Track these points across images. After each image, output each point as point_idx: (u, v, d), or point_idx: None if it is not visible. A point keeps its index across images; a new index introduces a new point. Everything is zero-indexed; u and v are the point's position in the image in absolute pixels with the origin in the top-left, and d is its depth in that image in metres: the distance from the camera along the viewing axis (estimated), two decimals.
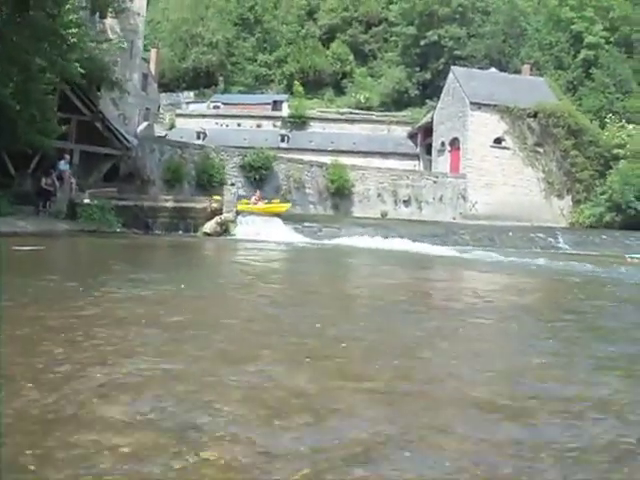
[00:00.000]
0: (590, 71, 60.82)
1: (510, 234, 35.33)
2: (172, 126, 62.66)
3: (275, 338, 6.10)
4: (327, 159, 46.52)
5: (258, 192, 34.94)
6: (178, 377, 4.41)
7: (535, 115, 48.02)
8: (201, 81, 72.42)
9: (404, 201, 45.49)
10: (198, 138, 56.31)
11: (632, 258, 27.09)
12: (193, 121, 62.25)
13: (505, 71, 59.33)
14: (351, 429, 3.59)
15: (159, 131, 57.37)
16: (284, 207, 33.65)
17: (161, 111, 65.85)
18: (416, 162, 58.08)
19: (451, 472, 3.07)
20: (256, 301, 9.09)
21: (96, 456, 3.02)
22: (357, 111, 66.05)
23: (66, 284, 9.21)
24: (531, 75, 57.28)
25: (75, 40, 24.11)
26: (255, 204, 32.43)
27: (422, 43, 68.19)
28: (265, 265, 17.06)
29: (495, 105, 47.59)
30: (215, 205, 29.61)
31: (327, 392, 4.33)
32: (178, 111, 66.10)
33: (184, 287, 9.85)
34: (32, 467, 2.85)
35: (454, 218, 45.42)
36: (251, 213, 30.98)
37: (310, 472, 2.97)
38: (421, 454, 3.29)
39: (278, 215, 31.61)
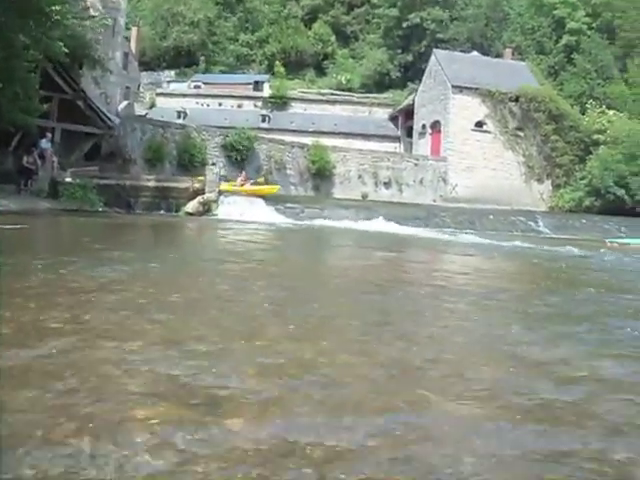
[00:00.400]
0: (572, 56, 61.27)
1: (491, 217, 35.75)
2: (152, 105, 62.41)
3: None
4: (308, 140, 46.67)
5: (244, 173, 34.98)
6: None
7: (516, 99, 48.35)
8: (182, 60, 71.92)
9: (385, 183, 45.69)
10: (179, 117, 56.17)
11: (612, 242, 27.64)
12: (174, 100, 62.00)
13: (487, 55, 59.51)
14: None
15: (139, 110, 57.11)
16: (273, 189, 33.76)
17: (141, 90, 65.45)
18: (397, 144, 58.21)
19: None
20: (230, 280, 9.23)
21: (125, 429, 3.20)
22: (338, 92, 65.97)
23: (33, 262, 9.09)
24: (513, 59, 57.54)
25: (59, 17, 23.97)
26: (242, 185, 32.52)
27: (404, 25, 67.99)
28: (247, 245, 17.21)
29: (477, 88, 47.85)
30: (197, 185, 29.76)
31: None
32: (158, 90, 65.69)
33: (154, 266, 10.02)
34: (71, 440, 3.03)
35: (434, 201, 45.73)
36: (235, 194, 31.09)
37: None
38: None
39: (263, 197, 31.73)
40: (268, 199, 31.59)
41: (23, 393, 3.55)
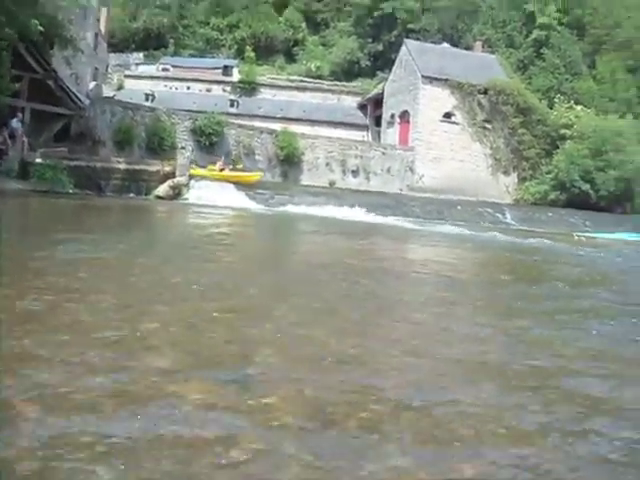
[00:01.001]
0: (541, 51, 61.70)
1: (459, 208, 36.38)
2: (120, 87, 62.05)
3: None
4: (276, 126, 46.95)
5: (223, 158, 35.18)
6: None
7: (485, 92, 48.92)
8: (151, 43, 71.55)
9: (352, 171, 46.05)
10: (146, 100, 56.00)
11: (579, 236, 28.48)
12: (142, 83, 61.75)
13: (457, 47, 59.94)
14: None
15: (107, 92, 56.75)
16: (255, 176, 34.07)
17: (109, 71, 65.05)
18: (365, 133, 58.64)
19: None
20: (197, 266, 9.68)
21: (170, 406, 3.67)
22: (308, 79, 66.11)
23: None
24: (483, 52, 57.98)
25: None
26: (221, 170, 32.74)
27: (376, 14, 68.26)
28: (217, 230, 17.54)
29: (446, 80, 48.31)
30: (168, 168, 29.98)
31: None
32: (127, 72, 65.26)
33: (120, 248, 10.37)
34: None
35: (401, 190, 46.20)
36: (206, 178, 31.33)
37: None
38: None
39: (239, 184, 31.94)
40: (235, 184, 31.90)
41: None
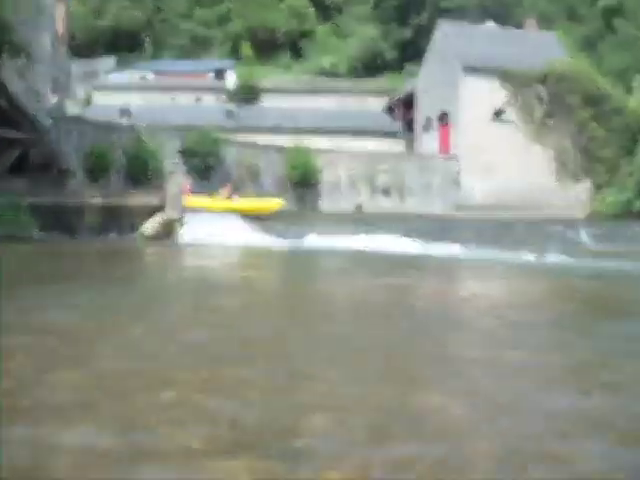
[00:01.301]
0: (612, 22, 61.36)
1: (520, 228, 36.10)
2: (88, 102, 62.51)
3: None
4: (285, 140, 47.11)
5: (228, 185, 35.24)
6: None
7: (544, 80, 48.78)
8: (123, 44, 71.82)
9: (383, 190, 46.20)
10: (122, 117, 56.36)
11: None
12: (115, 96, 61.98)
13: (505, 26, 59.79)
14: None
15: (72, 109, 57.16)
16: (275, 204, 34.23)
17: (73, 83, 65.44)
18: (396, 142, 58.63)
19: None
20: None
21: None
22: (321, 80, 66.32)
23: None
24: (537, 30, 57.92)
25: None
26: (228, 199, 32.92)
27: None
28: (224, 278, 17.58)
29: (494, 69, 48.23)
30: (155, 201, 30.12)
31: None
32: (95, 83, 65.66)
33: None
34: None
35: (446, 210, 46.14)
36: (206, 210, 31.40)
37: None
38: None
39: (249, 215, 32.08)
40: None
41: None
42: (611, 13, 61.78)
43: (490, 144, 47.84)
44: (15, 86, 33.39)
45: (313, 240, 30.36)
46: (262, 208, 32.81)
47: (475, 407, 5.61)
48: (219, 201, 32.59)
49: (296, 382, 6.13)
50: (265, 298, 13.79)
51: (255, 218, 31.95)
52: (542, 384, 6.60)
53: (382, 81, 66.06)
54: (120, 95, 61.66)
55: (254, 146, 43.95)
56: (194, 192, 33.70)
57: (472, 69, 48.16)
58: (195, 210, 31.06)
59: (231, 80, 64.04)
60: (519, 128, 48.89)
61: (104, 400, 5.40)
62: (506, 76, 48.46)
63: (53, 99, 48.39)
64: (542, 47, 51.74)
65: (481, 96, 48.09)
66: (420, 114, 54.08)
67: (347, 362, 7.03)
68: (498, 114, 48.60)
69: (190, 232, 29.79)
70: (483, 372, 6.90)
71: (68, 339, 7.92)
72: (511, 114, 48.84)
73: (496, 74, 48.38)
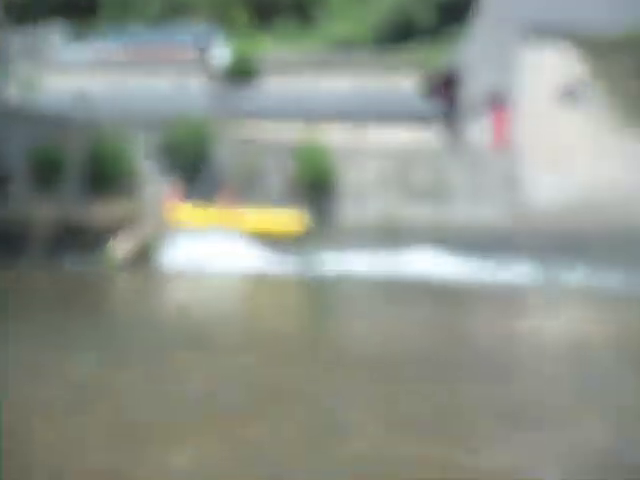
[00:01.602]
0: None
1: (603, 241, 35.51)
2: (32, 87, 62.02)
3: None
4: (293, 131, 46.81)
5: (228, 190, 34.84)
6: None
7: (632, 46, 48.06)
8: (76, 11, 71.59)
9: (421, 195, 45.65)
10: (77, 105, 55.85)
11: None
12: (67, 78, 61.69)
13: None
14: None
15: (11, 97, 56.78)
16: (297, 222, 33.98)
17: (10, 62, 65.10)
18: (434, 131, 58.29)
19: None
20: None
21: None
22: (336, 54, 65.96)
23: None
24: None
25: None
26: (226, 212, 32.44)
27: None
28: (224, 324, 17.10)
29: (566, 33, 47.52)
30: (125, 213, 29.54)
31: None
32: (40, 61, 65.35)
33: None
34: None
35: (504, 218, 45.49)
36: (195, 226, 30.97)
37: None
38: None
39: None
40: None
41: None
42: None
43: (561, 132, 46.99)
44: None
45: (331, 263, 29.83)
46: (281, 229, 32.30)
47: None
48: (219, 213, 32.00)
49: None
50: (276, 360, 12.97)
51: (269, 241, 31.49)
52: None
53: (414, 54, 65.40)
54: (74, 76, 61.21)
55: (252, 140, 43.30)
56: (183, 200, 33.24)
57: (537, 33, 47.47)
58: (186, 225, 30.52)
59: (220, 55, 63.58)
60: (600, 111, 48.06)
61: None
62: (582, 42, 47.61)
63: None
64: (629, 2, 50.73)
65: (549, 70, 47.26)
66: (466, 95, 53.44)
67: None
68: (571, 93, 47.77)
69: (173, 255, 29.12)
70: None
71: None
72: (589, 93, 48.07)
73: (569, 40, 47.50)
